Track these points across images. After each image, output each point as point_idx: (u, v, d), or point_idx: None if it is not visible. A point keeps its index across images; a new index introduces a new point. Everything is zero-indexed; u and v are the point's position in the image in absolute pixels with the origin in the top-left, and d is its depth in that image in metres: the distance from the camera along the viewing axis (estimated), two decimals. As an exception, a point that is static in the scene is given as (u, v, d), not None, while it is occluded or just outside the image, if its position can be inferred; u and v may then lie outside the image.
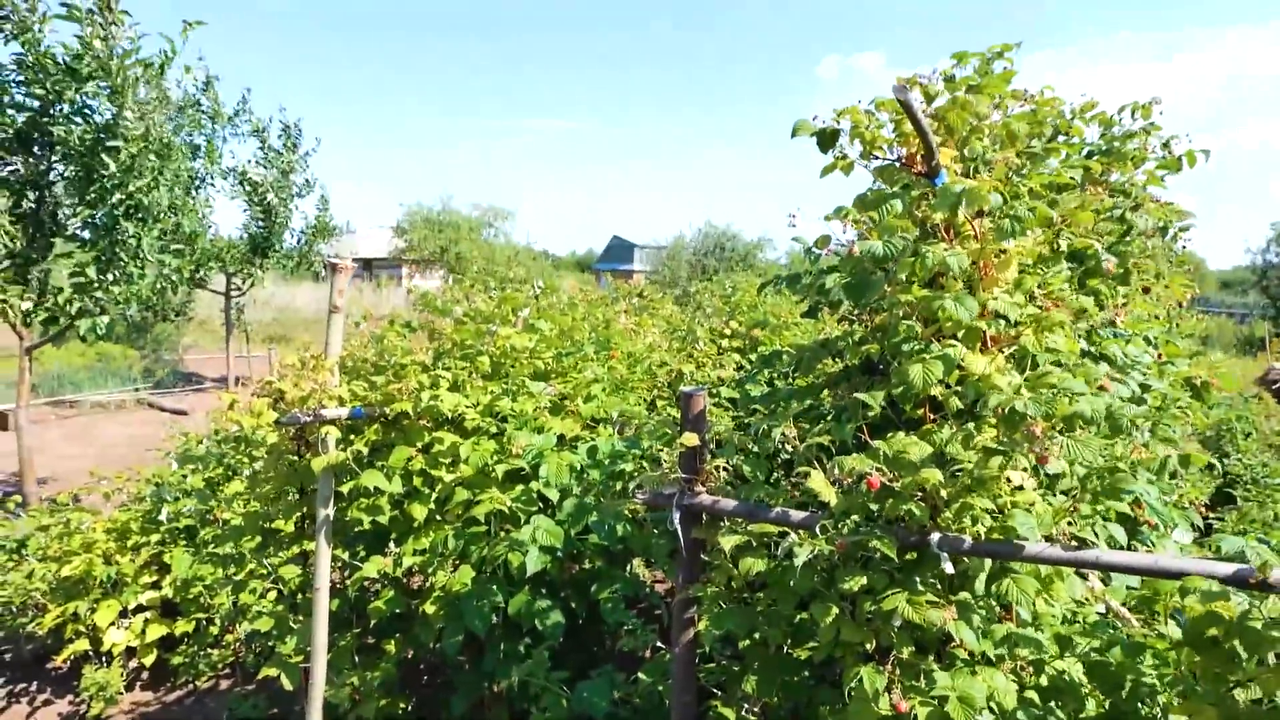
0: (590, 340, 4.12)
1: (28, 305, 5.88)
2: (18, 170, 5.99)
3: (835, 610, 1.90)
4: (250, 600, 3.63)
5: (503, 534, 2.88)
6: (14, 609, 4.06)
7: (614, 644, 3.62)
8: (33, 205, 6.13)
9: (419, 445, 2.99)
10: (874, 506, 1.91)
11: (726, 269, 25.83)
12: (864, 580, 1.85)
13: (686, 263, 28.40)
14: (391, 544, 2.98)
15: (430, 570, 2.91)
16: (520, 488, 3.00)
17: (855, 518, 1.89)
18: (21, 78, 5.78)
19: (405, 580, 3.20)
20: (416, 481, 3.01)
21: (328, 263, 2.78)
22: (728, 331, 5.51)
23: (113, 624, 3.86)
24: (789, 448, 2.17)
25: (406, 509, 2.95)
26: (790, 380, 3.48)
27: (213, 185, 10.61)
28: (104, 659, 3.93)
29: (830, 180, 2.48)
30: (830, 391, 2.56)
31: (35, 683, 4.18)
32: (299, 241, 12.59)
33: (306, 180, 12.20)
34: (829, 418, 2.37)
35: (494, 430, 3.15)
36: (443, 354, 3.31)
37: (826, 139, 2.44)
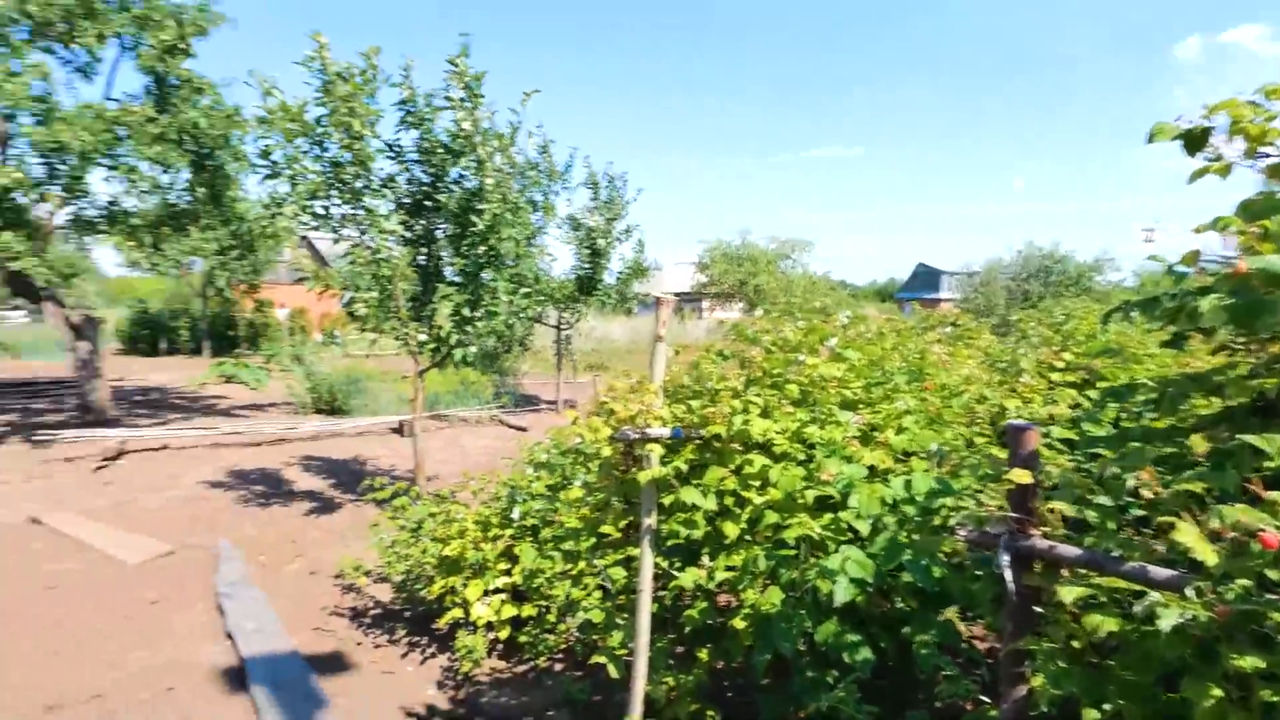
0: (901, 370, 3.98)
1: (422, 337, 7.38)
2: (416, 231, 7.55)
3: (1218, 693, 1.60)
4: (579, 596, 4.09)
5: (812, 559, 2.90)
6: (412, 577, 5.11)
7: (925, 691, 3.41)
8: (424, 258, 7.67)
9: (731, 467, 3.15)
10: (1271, 574, 1.59)
11: (1053, 295, 22.91)
12: (1261, 663, 1.54)
13: (1004, 289, 25.76)
14: (705, 558, 3.16)
15: (741, 587, 3.03)
16: (829, 516, 2.99)
17: (1244, 582, 1.59)
18: (418, 158, 7.32)
19: (716, 593, 3.36)
20: (728, 501, 3.17)
21: (654, 297, 3.09)
22: (1059, 364, 4.92)
23: (478, 600, 4.61)
24: (1146, 494, 1.90)
25: (719, 526, 3.11)
26: (1143, 421, 3.01)
27: (547, 234, 12.30)
28: (472, 627, 4.69)
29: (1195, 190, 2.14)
30: (1206, 434, 2.18)
31: (425, 638, 5.13)
32: (617, 280, 14.14)
33: (627, 227, 13.72)
34: (1200, 465, 2.02)
35: (801, 457, 3.19)
36: (753, 381, 3.46)
37: (1195, 140, 2.13)
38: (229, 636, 5.19)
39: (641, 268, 14.31)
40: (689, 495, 3.02)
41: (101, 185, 15.51)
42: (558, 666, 4.70)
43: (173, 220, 13.25)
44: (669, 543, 3.44)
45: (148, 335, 31.38)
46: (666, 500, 3.08)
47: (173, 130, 12.00)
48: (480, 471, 5.87)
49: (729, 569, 3.07)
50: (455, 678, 4.62)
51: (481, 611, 4.63)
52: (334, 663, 4.87)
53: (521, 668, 4.73)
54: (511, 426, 13.85)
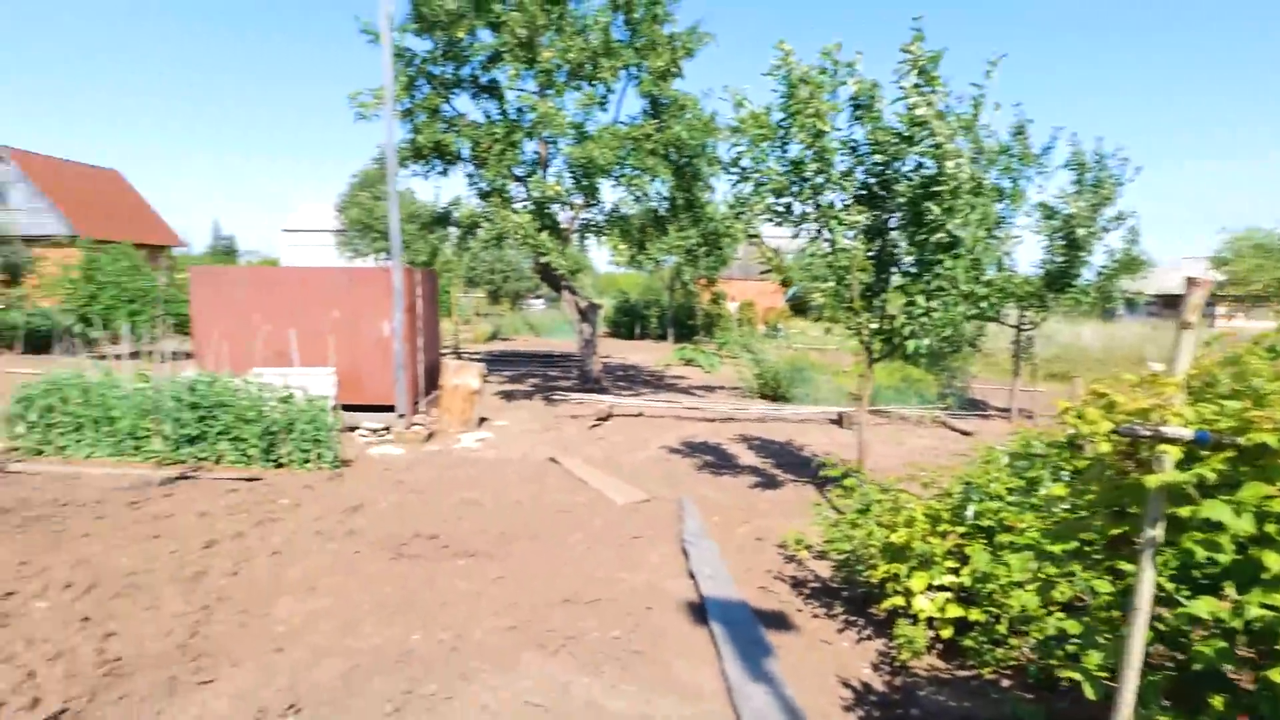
0: None
1: (874, 326, 7.43)
2: (870, 221, 7.60)
3: None
4: (1036, 611, 3.72)
5: None
6: (854, 557, 5.23)
7: None
8: (877, 248, 7.68)
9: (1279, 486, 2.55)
10: None
11: None
12: None
13: None
14: (1230, 590, 2.62)
15: (1284, 633, 2.45)
16: None
17: None
18: (870, 150, 7.30)
19: (1237, 634, 2.76)
20: (1269, 528, 2.57)
21: (1185, 279, 2.65)
22: None
23: (922, 592, 4.52)
24: None
25: (1253, 554, 2.55)
26: None
27: (1014, 223, 11.18)
28: (912, 619, 4.63)
29: None
30: None
31: (861, 620, 5.22)
32: (1099, 276, 12.13)
33: (1118, 214, 11.66)
34: None
35: (1399, 489, 2.43)
36: (1321, 385, 2.73)
37: None
38: (690, 576, 5.99)
39: (1135, 261, 11.99)
40: (1216, 511, 2.52)
41: (607, 194, 19.01)
42: (1005, 682, 4.37)
43: (655, 223, 15.57)
44: (1170, 566, 2.92)
45: (627, 321, 37.56)
46: (1185, 512, 2.62)
47: (661, 144, 14.09)
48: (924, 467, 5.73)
49: (1266, 607, 2.49)
50: (891, 664, 4.62)
51: (924, 605, 4.54)
52: (776, 620, 5.27)
53: (963, 673, 4.51)
54: (955, 429, 13.09)
